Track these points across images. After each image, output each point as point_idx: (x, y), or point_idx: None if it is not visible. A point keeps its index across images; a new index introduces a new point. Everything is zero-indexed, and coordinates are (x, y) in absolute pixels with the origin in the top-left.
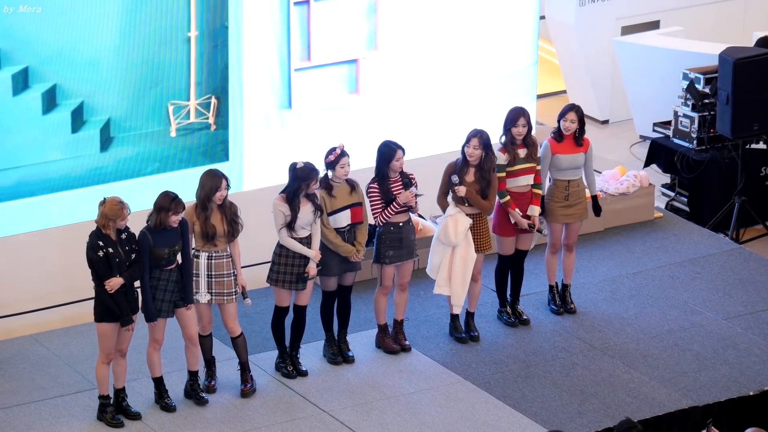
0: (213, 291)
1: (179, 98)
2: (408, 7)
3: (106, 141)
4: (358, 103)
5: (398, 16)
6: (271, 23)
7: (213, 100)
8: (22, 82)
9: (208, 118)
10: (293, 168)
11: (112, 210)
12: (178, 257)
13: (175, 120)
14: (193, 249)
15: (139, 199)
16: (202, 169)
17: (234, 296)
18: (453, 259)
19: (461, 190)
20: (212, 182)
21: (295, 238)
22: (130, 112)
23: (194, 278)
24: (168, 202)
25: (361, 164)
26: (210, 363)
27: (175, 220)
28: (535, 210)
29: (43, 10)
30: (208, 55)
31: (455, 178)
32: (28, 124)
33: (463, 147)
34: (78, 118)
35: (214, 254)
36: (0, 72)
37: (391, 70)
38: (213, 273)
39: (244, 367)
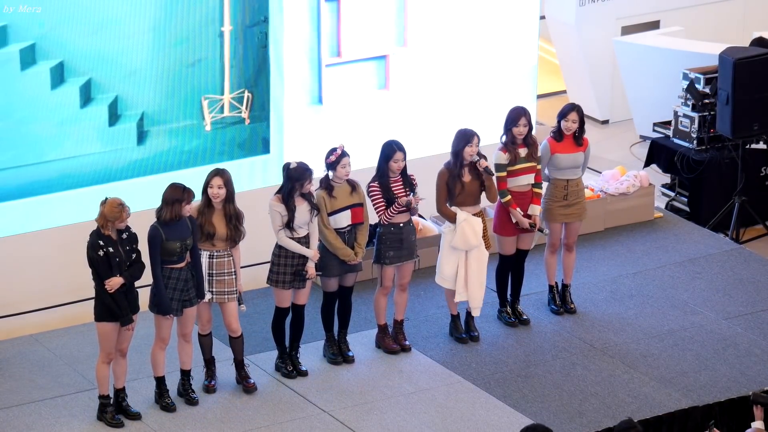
0: (214, 290)
1: (213, 92)
2: (437, 4)
3: (141, 135)
4: (388, 99)
5: (427, 12)
6: (303, 19)
7: (246, 94)
8: (58, 76)
9: (241, 112)
10: (287, 168)
11: (112, 211)
12: (188, 256)
13: (209, 114)
14: None
15: None
16: (239, 162)
17: (235, 295)
18: (468, 262)
19: (482, 163)
20: (177, 195)
21: (293, 238)
22: (164, 106)
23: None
24: (180, 193)
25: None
26: (210, 363)
27: (188, 209)
28: (535, 209)
29: (76, 5)
30: (241, 50)
31: (475, 158)
32: (67, 118)
33: (463, 147)
34: (113, 112)
35: (215, 253)
36: (37, 66)
37: (420, 67)
38: (214, 272)
39: (241, 365)
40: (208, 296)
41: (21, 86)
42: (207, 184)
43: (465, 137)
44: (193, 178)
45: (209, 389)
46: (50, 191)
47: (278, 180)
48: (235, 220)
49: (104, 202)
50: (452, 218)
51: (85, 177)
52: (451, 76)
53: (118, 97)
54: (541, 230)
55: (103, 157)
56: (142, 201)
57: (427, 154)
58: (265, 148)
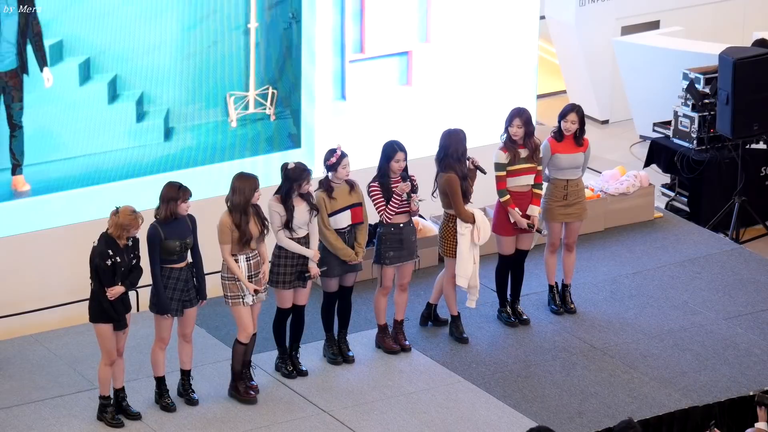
0: (254, 292)
1: (238, 89)
2: (460, 0)
3: (167, 131)
4: (410, 95)
5: (450, 9)
6: (327, 15)
7: (271, 91)
8: (85, 72)
9: (266, 109)
10: (285, 168)
11: (127, 219)
12: (188, 257)
13: (235, 110)
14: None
15: (202, 187)
16: (266, 158)
17: (265, 293)
18: (476, 254)
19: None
20: (249, 184)
21: (293, 239)
22: (190, 102)
23: (236, 281)
24: (176, 191)
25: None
26: (248, 365)
27: (185, 207)
28: (534, 210)
29: (101, 3)
30: (266, 47)
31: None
32: (95, 114)
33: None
34: (139, 108)
35: (250, 255)
36: (65, 62)
37: (442, 63)
38: (253, 272)
39: (247, 366)
40: (251, 298)
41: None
42: (254, 190)
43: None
44: (220, 174)
45: (254, 389)
46: (79, 186)
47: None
48: (261, 216)
49: (116, 212)
50: (472, 219)
51: (114, 172)
52: (474, 73)
53: (144, 94)
54: (539, 231)
55: (130, 153)
56: None
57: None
58: (293, 144)
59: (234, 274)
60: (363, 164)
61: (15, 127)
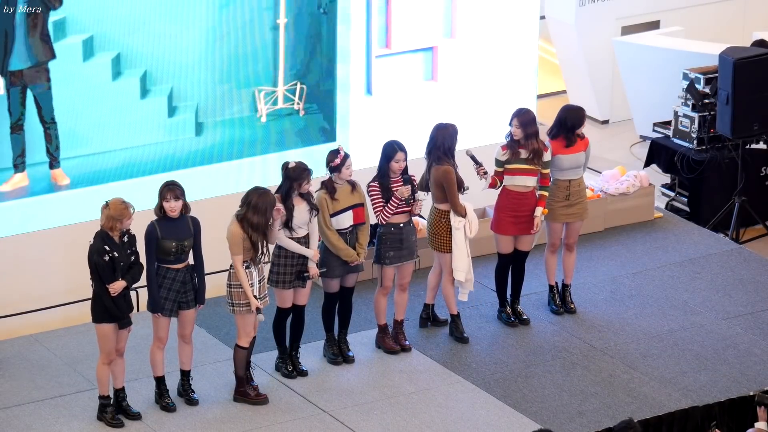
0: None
1: (267, 84)
2: None
3: (198, 126)
4: (435, 90)
5: (476, 4)
6: (355, 11)
7: (299, 86)
8: (116, 67)
9: (294, 104)
10: (285, 168)
11: (118, 209)
12: (190, 259)
13: (265, 105)
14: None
15: (232, 182)
16: (302, 151)
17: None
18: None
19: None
20: (268, 200)
21: (292, 238)
22: (219, 98)
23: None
24: (163, 189)
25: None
26: (248, 366)
27: (169, 207)
28: (538, 211)
29: None
30: (295, 42)
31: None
32: (127, 109)
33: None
34: (170, 104)
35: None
36: (97, 57)
37: (468, 58)
38: (260, 277)
39: (248, 367)
40: (261, 316)
41: (83, 77)
42: (270, 216)
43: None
44: (251, 168)
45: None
46: (114, 180)
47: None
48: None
49: (106, 205)
50: (464, 212)
51: (147, 166)
52: (499, 68)
53: (174, 89)
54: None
55: (162, 147)
56: (202, 190)
57: (476, 144)
58: (326, 138)
59: (243, 287)
60: (364, 164)
61: (48, 122)
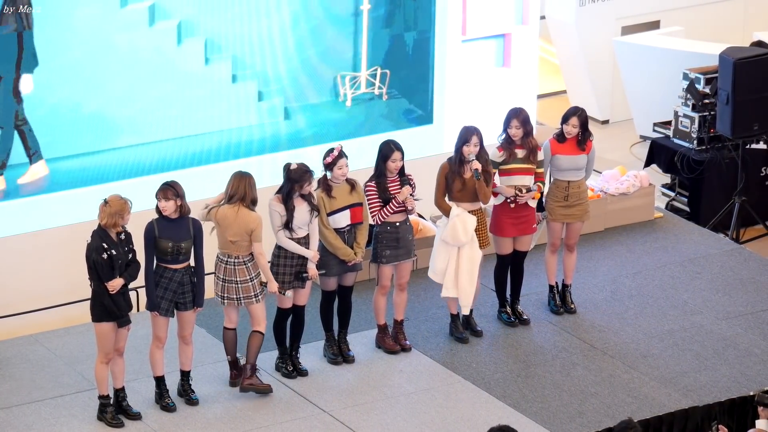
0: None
1: (351, 69)
2: None
3: (286, 110)
4: (508, 77)
5: None
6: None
7: (380, 71)
8: (205, 52)
9: (376, 89)
10: (287, 169)
11: (118, 204)
12: (190, 260)
13: (350, 90)
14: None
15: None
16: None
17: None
18: (459, 259)
19: (475, 164)
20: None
21: (292, 239)
22: (304, 83)
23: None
24: (158, 189)
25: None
26: (254, 368)
27: (162, 207)
28: (535, 186)
29: None
30: (378, 28)
31: (471, 156)
32: (219, 93)
33: (461, 145)
34: (259, 89)
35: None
36: (189, 41)
37: (539, 45)
38: (254, 273)
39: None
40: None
41: (177, 60)
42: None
43: (463, 136)
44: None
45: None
46: (206, 163)
47: (435, 149)
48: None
49: (105, 203)
50: (448, 212)
51: (239, 149)
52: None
53: (261, 74)
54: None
55: (253, 131)
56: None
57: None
58: (418, 122)
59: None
60: (364, 164)
61: None
